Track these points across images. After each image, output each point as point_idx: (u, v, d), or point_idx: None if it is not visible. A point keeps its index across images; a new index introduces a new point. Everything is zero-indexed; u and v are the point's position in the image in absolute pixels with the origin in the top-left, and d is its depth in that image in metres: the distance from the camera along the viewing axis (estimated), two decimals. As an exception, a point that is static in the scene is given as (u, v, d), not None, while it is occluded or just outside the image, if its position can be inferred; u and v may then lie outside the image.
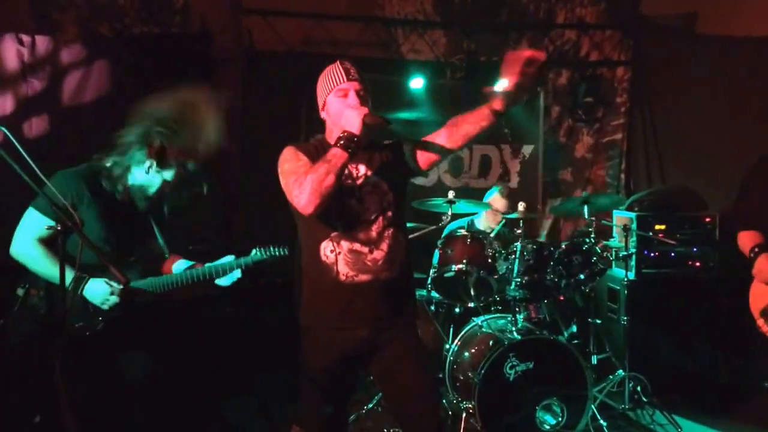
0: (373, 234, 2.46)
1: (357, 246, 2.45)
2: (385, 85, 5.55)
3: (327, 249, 2.46)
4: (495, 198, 4.81)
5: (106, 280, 2.76)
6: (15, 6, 4.86)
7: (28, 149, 2.41)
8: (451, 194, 4.24)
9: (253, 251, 3.02)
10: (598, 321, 4.57)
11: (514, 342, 3.78)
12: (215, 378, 4.34)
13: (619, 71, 6.18)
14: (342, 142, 2.29)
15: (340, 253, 2.45)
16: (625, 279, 4.52)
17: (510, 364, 3.74)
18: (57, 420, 2.50)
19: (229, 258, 3.00)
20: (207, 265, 3.00)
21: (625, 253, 4.45)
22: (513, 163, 6.05)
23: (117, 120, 4.74)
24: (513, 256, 4.10)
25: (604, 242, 4.46)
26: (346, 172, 2.46)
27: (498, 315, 4.24)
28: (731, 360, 4.78)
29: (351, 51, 5.48)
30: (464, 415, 3.86)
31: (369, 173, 2.53)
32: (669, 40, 5.78)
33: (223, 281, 3.01)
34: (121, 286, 2.76)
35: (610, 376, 4.39)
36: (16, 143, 2.39)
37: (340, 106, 2.43)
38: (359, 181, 2.51)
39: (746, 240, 3.02)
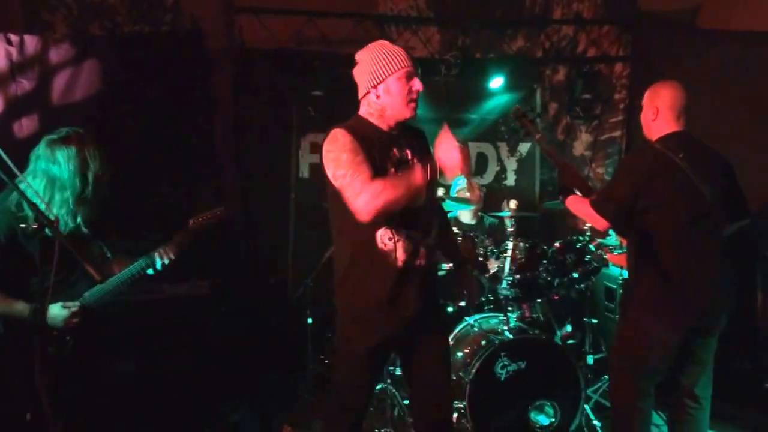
0: (425, 220, 2.59)
1: (413, 233, 2.54)
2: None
3: (385, 237, 2.50)
4: (464, 188, 4.69)
5: (62, 303, 2.76)
6: (5, 5, 4.84)
7: (20, 150, 2.42)
8: (440, 191, 4.17)
9: (190, 221, 3.04)
10: (594, 320, 4.50)
11: (506, 341, 3.72)
12: (211, 379, 4.31)
13: (618, 67, 6.09)
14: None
15: (399, 240, 2.51)
16: (621, 277, 4.44)
17: (501, 363, 3.69)
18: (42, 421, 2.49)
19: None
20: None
21: (620, 251, 4.37)
22: (509, 161, 5.98)
23: (108, 119, 4.81)
24: (505, 254, 4.03)
25: (599, 240, 4.38)
26: (399, 157, 2.55)
27: (491, 314, 4.19)
28: (732, 360, 4.69)
29: (343, 48, 5.40)
30: (455, 415, 3.80)
31: (416, 160, 2.58)
32: (669, 34, 5.66)
33: (158, 264, 2.96)
34: (78, 306, 2.78)
35: (606, 376, 4.31)
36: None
37: (404, 88, 2.50)
38: (408, 168, 2.54)
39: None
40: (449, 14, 5.77)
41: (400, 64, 2.51)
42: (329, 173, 2.47)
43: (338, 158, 2.42)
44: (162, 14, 5.22)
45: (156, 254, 2.93)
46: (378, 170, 2.43)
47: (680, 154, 2.91)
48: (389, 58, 2.52)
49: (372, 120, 2.57)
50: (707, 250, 2.96)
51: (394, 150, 2.54)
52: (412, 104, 2.53)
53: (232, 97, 5.34)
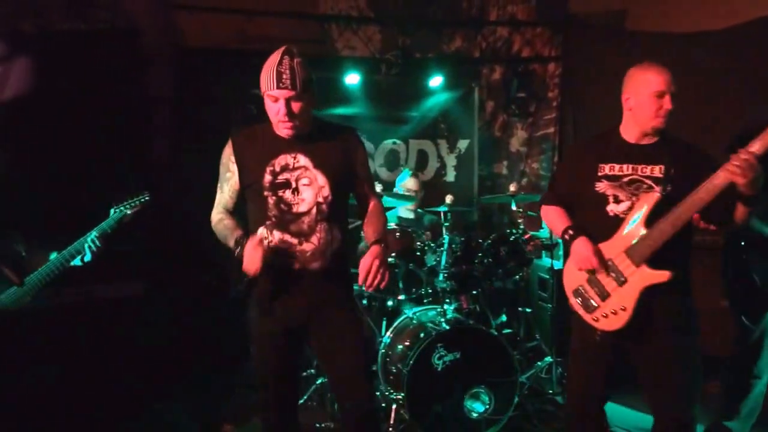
0: (305, 226, 2.56)
1: (287, 237, 2.55)
2: (321, 82, 5.50)
3: (262, 236, 2.56)
4: (408, 180, 4.90)
5: None
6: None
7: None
8: (378, 188, 4.28)
9: (111, 211, 3.03)
10: (528, 310, 4.68)
11: (442, 332, 3.83)
12: (147, 379, 4.31)
13: (551, 67, 6.32)
14: (237, 252, 2.54)
15: (271, 241, 2.55)
16: (551, 267, 4.63)
17: (438, 354, 3.79)
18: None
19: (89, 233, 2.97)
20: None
21: (550, 242, 4.57)
22: (449, 157, 6.15)
23: (41, 118, 4.73)
24: (441, 248, 4.17)
25: (532, 233, 4.57)
26: (284, 163, 2.57)
27: (429, 307, 4.30)
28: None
29: (285, 48, 5.45)
30: (395, 406, 3.92)
31: (308, 165, 2.59)
32: (597, 36, 5.91)
33: (87, 255, 2.95)
34: None
35: (539, 363, 4.50)
36: None
37: (271, 108, 2.49)
38: (296, 173, 2.57)
39: (554, 217, 2.96)
40: (389, 14, 5.89)
41: (267, 85, 2.46)
42: None
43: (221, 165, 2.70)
44: (98, 12, 5.17)
45: (84, 243, 2.92)
46: (253, 174, 2.57)
47: None
48: (265, 74, 2.47)
49: (273, 126, 2.59)
50: None
51: (284, 155, 2.56)
52: (281, 124, 2.50)
53: (171, 97, 5.33)
